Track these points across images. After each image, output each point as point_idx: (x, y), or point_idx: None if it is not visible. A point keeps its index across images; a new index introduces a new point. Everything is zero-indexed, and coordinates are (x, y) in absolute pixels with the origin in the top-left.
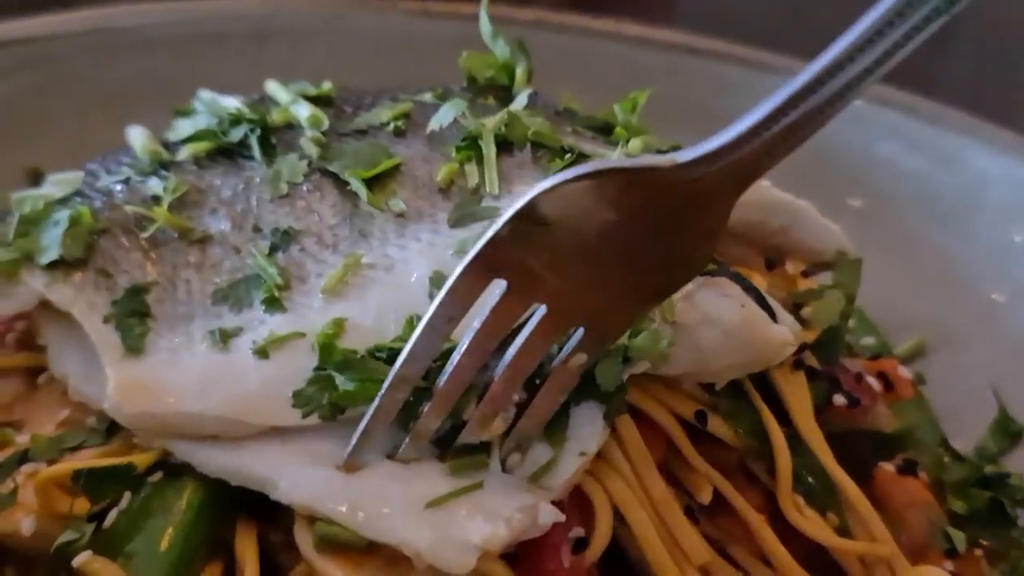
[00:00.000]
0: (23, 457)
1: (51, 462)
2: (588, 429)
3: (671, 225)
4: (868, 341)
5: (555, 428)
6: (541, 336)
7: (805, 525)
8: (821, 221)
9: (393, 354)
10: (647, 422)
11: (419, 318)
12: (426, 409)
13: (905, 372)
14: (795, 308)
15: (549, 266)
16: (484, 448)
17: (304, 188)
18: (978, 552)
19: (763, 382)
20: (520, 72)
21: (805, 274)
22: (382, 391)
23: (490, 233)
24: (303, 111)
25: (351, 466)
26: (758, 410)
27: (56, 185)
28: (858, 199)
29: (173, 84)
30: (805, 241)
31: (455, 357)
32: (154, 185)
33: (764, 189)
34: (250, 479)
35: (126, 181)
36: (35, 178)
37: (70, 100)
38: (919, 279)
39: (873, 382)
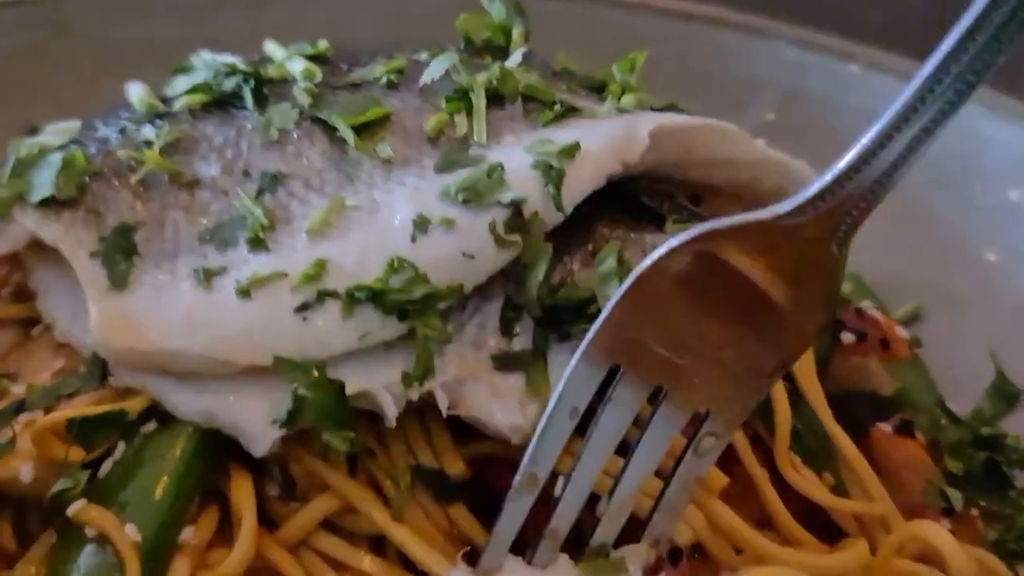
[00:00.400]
0: (20, 406)
1: (47, 410)
2: None
3: (780, 282)
4: (866, 306)
5: None
6: (665, 422)
7: (802, 483)
8: None
9: (373, 293)
10: None
11: (400, 260)
12: (558, 510)
13: (902, 332)
14: None
15: (663, 343)
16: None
17: (294, 135)
18: (974, 512)
19: None
20: (516, 33)
21: None
22: (511, 492)
23: (602, 317)
24: (297, 65)
25: (486, 572)
26: None
27: (53, 134)
28: None
29: (173, 47)
30: None
31: (581, 455)
32: (147, 132)
33: (757, 148)
34: (226, 425)
35: (122, 131)
36: (33, 135)
37: (71, 61)
38: (916, 243)
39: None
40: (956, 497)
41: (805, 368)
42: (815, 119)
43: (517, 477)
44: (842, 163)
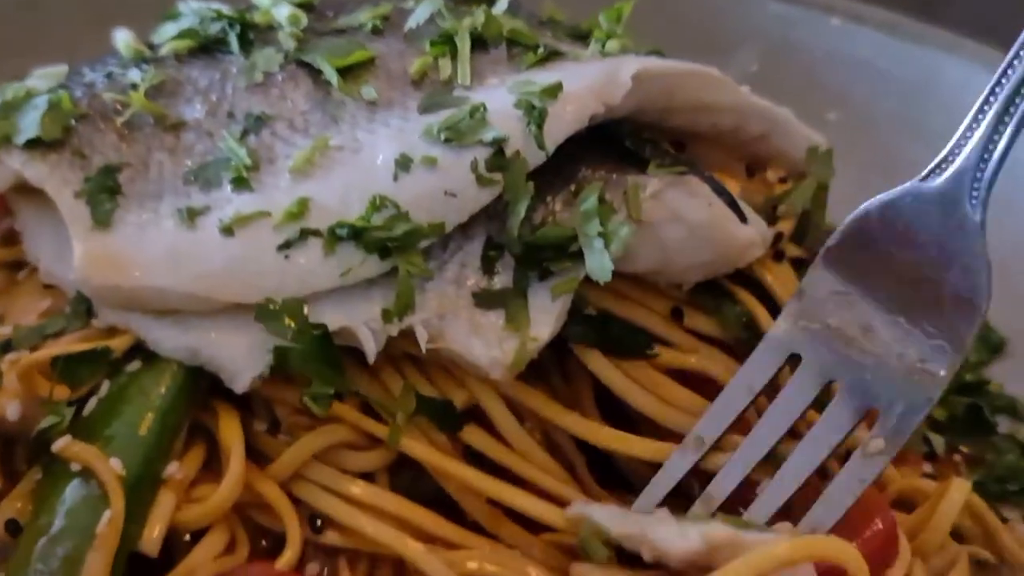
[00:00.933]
0: (6, 346)
1: (33, 349)
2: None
3: (935, 259)
4: None
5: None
6: (837, 415)
7: None
8: (802, 129)
9: (355, 231)
10: None
11: (383, 198)
12: (718, 477)
13: None
14: (772, 209)
15: (840, 335)
16: None
17: (279, 77)
18: (957, 458)
19: (749, 281)
20: None
21: (783, 180)
22: (678, 448)
23: (788, 305)
24: (283, 11)
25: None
26: (742, 302)
27: (40, 78)
28: (835, 113)
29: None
30: (785, 149)
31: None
32: (133, 76)
33: (740, 93)
34: (207, 362)
35: (108, 75)
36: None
37: (61, 14)
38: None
39: None
40: (939, 442)
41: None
42: (798, 71)
43: (687, 437)
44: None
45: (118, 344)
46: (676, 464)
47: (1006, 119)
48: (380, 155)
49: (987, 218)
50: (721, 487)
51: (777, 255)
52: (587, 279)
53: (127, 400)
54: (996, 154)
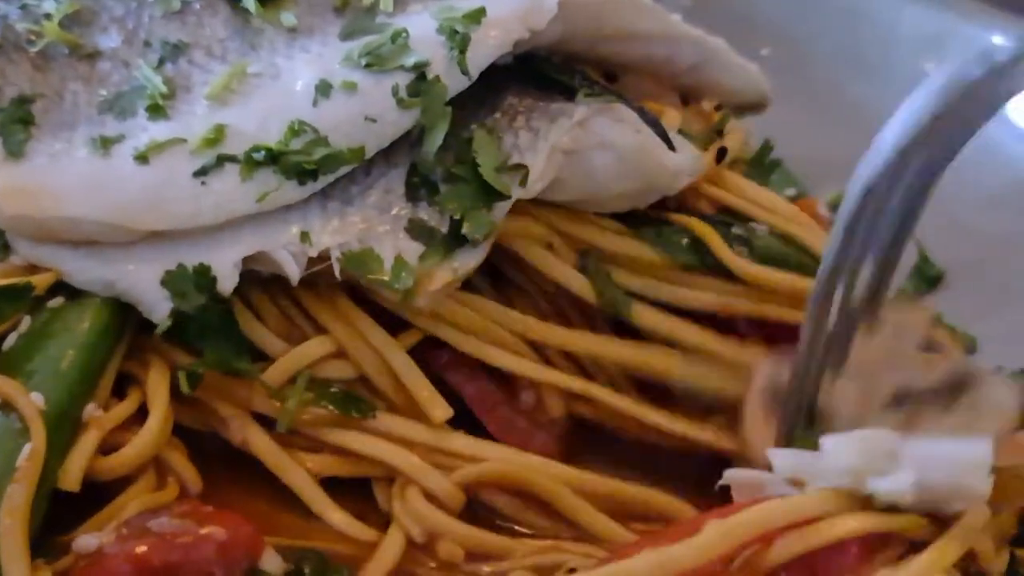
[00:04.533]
0: None
1: None
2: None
3: None
4: (789, 192)
5: None
6: None
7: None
8: (736, 60)
9: (273, 155)
10: None
11: (302, 123)
12: None
13: (824, 211)
14: (717, 134)
15: None
16: None
17: (196, 5)
18: None
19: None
20: None
21: (718, 108)
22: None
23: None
24: None
25: None
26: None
27: None
28: (769, 48)
29: None
30: (720, 80)
31: None
32: (47, 6)
33: (672, 22)
34: (123, 293)
35: (22, 6)
36: None
37: None
38: (835, 127)
39: None
40: None
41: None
42: (730, 5)
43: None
44: None
45: (40, 280)
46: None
47: None
48: (299, 81)
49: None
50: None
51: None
52: None
53: (49, 335)
54: None
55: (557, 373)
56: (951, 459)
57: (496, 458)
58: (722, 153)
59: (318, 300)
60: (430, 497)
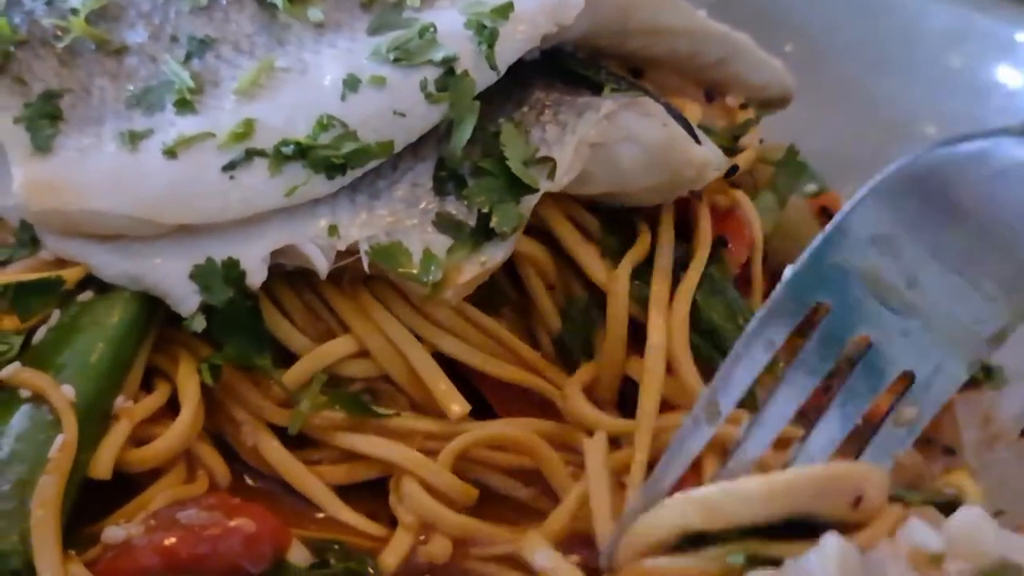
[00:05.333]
0: None
1: None
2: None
3: (978, 215)
4: (810, 188)
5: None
6: (866, 377)
7: None
8: (761, 55)
9: (301, 149)
10: None
11: (330, 118)
12: (741, 448)
13: None
14: (733, 139)
15: (876, 283)
16: None
17: (223, 0)
18: None
19: None
20: None
21: (743, 106)
22: (688, 420)
23: (813, 243)
24: None
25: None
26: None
27: None
28: (792, 44)
29: None
30: (744, 75)
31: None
32: (74, 2)
33: (697, 17)
34: (151, 287)
35: (48, 3)
36: None
37: None
38: (856, 122)
39: None
40: None
41: None
42: (754, 2)
43: (697, 405)
44: None
45: (70, 275)
46: (690, 438)
47: None
48: (327, 76)
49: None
50: (744, 458)
51: (733, 185)
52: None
53: (79, 329)
54: None
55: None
56: None
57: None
58: (733, 170)
59: (341, 296)
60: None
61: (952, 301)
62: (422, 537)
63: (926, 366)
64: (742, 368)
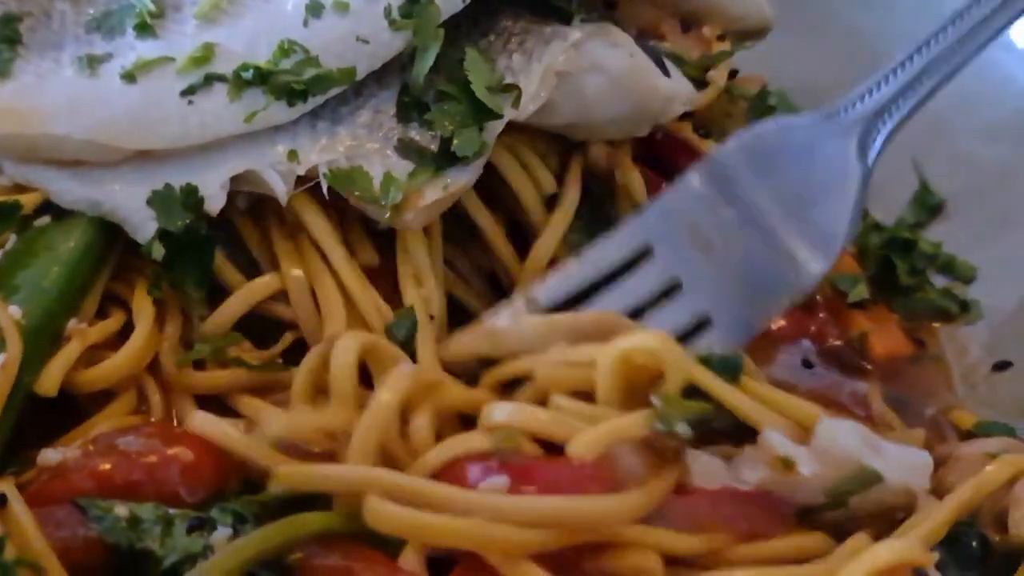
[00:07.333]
0: None
1: None
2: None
3: (812, 191)
4: None
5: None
6: (670, 313)
7: None
8: None
9: (262, 74)
10: None
11: (292, 43)
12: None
13: None
14: (703, 71)
15: (696, 234)
16: None
17: None
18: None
19: None
20: None
21: (721, 38)
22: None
23: (658, 197)
24: None
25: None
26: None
27: None
28: None
29: None
30: (722, 5)
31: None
32: None
33: None
34: (109, 213)
35: None
36: None
37: None
38: (838, 54)
39: None
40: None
41: None
42: None
43: (517, 294)
44: (871, 79)
45: (28, 200)
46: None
47: (924, 79)
48: (290, 1)
49: None
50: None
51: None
52: None
53: (34, 253)
54: (901, 112)
55: None
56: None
57: None
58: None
59: (283, 239)
60: None
61: (753, 260)
62: None
63: (722, 312)
64: (564, 278)
